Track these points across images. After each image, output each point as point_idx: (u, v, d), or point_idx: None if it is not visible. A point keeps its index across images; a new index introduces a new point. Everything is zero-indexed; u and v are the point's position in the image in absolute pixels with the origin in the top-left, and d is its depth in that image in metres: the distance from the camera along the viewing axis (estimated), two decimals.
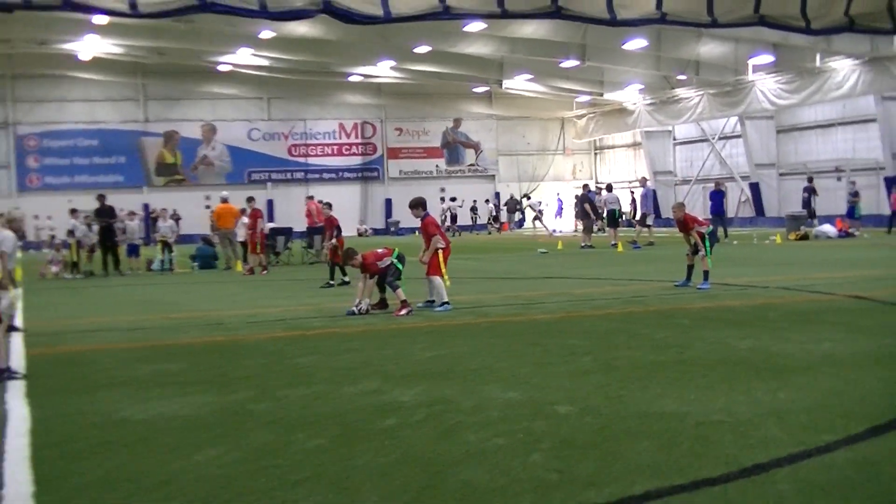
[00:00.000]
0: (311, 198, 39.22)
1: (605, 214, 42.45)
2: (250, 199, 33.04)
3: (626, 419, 8.31)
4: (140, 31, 49.57)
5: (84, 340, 15.07)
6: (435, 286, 17.50)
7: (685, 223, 20.26)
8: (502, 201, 72.73)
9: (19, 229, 13.96)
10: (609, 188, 42.92)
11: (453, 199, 67.31)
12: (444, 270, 17.70)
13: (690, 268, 20.18)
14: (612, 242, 38.44)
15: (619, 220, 42.34)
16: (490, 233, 64.82)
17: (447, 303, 17.38)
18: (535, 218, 64.14)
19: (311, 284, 24.13)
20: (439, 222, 32.74)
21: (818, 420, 8.04)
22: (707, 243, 19.94)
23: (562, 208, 70.68)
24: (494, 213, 69.10)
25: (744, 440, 7.46)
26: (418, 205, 18.45)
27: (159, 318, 18.14)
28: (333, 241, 23.84)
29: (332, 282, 23.92)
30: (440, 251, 17.66)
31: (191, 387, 10.62)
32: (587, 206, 40.76)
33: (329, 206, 26.72)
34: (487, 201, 69.78)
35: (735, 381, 9.82)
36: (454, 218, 65.33)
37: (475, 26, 43.39)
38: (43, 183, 64.38)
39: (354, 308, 17.17)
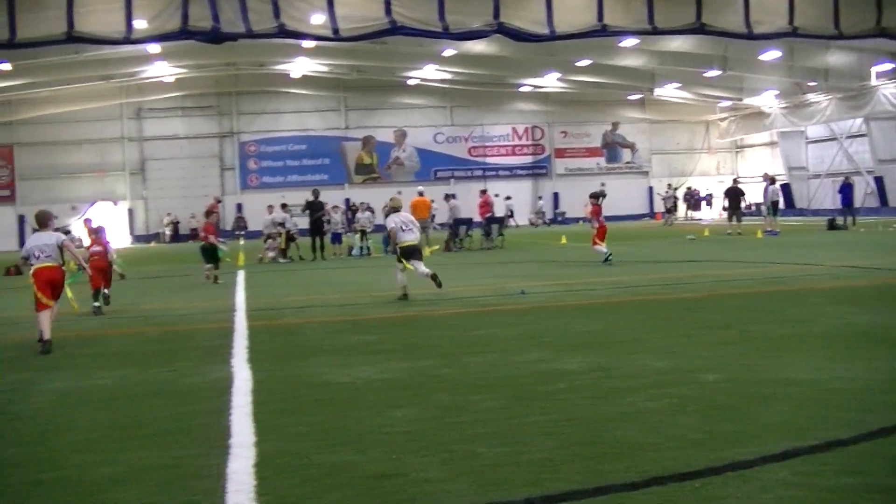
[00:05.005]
0: (484, 191, 39.57)
1: (769, 204, 40.62)
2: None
3: (761, 385, 8.16)
4: (341, 53, 50.64)
5: (297, 315, 15.43)
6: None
7: None
8: (656, 196, 71.20)
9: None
10: (772, 181, 41.42)
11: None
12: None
13: None
14: (771, 230, 37.23)
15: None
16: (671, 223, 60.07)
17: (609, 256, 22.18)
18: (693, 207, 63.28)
19: (488, 268, 24.16)
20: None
21: None
22: None
23: (710, 199, 68.93)
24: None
25: (866, 405, 7.26)
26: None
27: (360, 295, 18.45)
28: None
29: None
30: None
31: (386, 354, 10.80)
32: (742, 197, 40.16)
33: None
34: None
35: (855, 352, 9.56)
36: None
37: (629, 42, 42.97)
38: (261, 182, 65.93)
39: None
